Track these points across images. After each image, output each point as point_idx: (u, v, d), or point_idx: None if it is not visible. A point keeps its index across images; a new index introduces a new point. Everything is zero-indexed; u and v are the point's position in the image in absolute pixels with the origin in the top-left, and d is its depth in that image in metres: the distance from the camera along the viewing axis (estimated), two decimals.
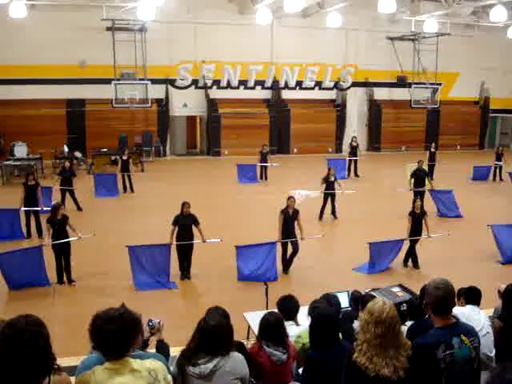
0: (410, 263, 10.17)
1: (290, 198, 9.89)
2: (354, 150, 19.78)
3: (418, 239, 10.15)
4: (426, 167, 18.28)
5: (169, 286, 9.11)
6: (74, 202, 14.14)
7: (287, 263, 9.84)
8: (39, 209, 11.80)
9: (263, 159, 18.72)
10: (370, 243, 9.80)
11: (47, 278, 8.94)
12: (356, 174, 19.63)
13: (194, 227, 9.41)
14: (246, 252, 9.43)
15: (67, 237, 9.08)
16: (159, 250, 9.23)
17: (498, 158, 19.14)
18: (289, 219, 9.71)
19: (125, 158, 16.71)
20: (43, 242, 9.17)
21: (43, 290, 8.73)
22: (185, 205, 9.34)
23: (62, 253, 9.04)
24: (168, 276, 9.18)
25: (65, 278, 9.08)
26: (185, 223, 9.32)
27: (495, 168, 19.21)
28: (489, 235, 10.46)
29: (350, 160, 19.79)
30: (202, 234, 9.44)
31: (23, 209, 11.75)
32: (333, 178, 13.56)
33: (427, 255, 10.28)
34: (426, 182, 14.33)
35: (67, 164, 14.71)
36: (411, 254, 10.11)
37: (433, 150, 18.78)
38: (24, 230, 11.82)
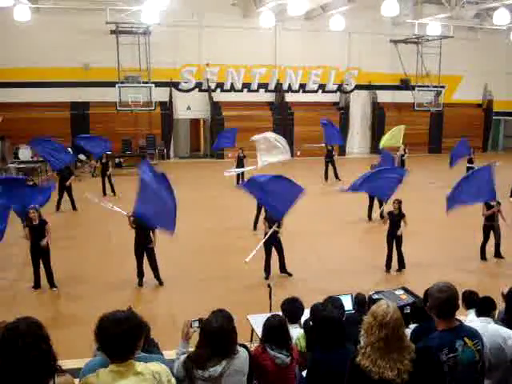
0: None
1: None
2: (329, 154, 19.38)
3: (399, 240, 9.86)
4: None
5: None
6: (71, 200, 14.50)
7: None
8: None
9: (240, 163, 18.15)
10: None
11: None
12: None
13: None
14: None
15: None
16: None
17: None
18: None
19: (104, 161, 16.68)
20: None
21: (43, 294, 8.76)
22: None
23: (40, 257, 8.72)
24: None
25: (44, 283, 8.83)
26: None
27: None
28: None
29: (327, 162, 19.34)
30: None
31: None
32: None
33: (424, 257, 10.31)
34: None
35: None
36: (398, 255, 9.88)
37: None
38: None
